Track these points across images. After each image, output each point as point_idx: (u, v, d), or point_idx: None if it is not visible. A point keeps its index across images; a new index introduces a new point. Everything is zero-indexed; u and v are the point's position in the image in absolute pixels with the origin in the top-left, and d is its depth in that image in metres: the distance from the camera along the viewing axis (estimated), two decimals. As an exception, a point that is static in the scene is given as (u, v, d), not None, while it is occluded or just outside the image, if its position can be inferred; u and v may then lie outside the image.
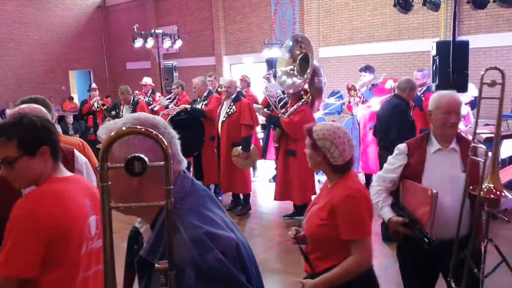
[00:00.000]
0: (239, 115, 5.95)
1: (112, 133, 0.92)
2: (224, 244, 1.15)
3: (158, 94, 9.43)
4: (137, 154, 0.92)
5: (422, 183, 2.53)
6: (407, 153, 2.64)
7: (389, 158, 2.74)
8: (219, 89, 7.48)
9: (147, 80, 9.37)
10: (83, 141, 3.43)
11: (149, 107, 8.03)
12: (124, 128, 0.94)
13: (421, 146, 2.62)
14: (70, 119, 10.42)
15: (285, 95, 6.06)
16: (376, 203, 2.63)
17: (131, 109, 7.42)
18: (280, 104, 6.03)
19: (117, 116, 7.57)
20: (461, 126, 5.62)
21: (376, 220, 5.71)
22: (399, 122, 5.08)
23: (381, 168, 5.44)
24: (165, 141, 0.93)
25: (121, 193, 1.19)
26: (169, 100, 8.28)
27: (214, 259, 1.11)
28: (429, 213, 2.40)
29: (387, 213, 2.57)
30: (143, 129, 0.94)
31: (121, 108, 7.61)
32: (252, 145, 6.05)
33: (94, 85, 10.05)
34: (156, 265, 0.95)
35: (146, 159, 0.92)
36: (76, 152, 2.49)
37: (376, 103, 6.50)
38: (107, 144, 0.90)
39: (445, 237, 2.46)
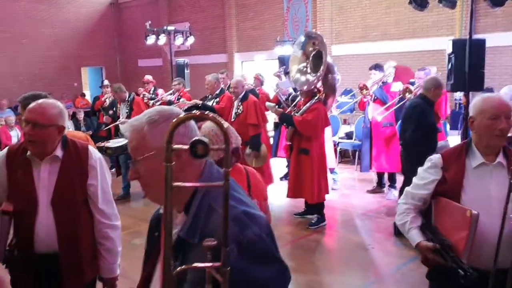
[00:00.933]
0: (246, 115, 5.95)
1: (174, 120, 0.98)
2: (259, 223, 1.23)
3: (161, 90, 9.63)
4: (199, 138, 0.97)
5: (461, 204, 2.13)
6: (442, 166, 2.22)
7: (420, 171, 2.34)
8: (229, 90, 7.50)
9: (148, 77, 9.68)
10: (88, 136, 3.61)
11: (152, 102, 8.22)
12: (181, 115, 1.00)
13: (459, 159, 2.20)
14: (80, 116, 10.52)
15: (297, 93, 6.03)
16: (403, 224, 2.29)
17: (128, 106, 7.39)
18: (293, 103, 6.00)
19: (115, 115, 7.53)
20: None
21: (390, 220, 5.69)
22: (416, 122, 5.04)
23: (402, 168, 5.43)
24: (224, 124, 0.98)
25: (162, 178, 1.23)
26: (170, 96, 8.49)
27: (254, 234, 1.18)
28: (467, 238, 2.01)
29: (415, 237, 2.21)
30: (198, 113, 1.02)
31: (118, 106, 7.56)
32: (263, 144, 6.03)
33: (106, 82, 10.14)
34: (204, 243, 1.03)
35: (208, 142, 0.96)
36: (90, 148, 2.48)
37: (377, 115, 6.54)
38: (173, 127, 0.97)
39: (490, 269, 2.07)
